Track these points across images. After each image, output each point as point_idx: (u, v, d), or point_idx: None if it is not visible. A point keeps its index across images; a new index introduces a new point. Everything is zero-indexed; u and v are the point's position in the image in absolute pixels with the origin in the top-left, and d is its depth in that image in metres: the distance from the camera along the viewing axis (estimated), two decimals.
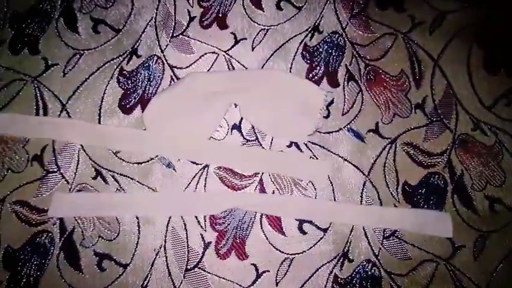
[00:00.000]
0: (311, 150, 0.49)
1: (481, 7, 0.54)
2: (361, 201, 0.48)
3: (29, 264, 0.45)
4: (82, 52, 0.50)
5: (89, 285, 0.45)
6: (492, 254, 0.47)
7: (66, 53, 0.50)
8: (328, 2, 0.53)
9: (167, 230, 0.46)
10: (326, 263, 0.47)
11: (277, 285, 0.46)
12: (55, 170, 0.47)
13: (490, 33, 0.53)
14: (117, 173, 0.47)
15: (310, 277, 0.46)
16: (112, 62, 0.50)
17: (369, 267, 0.47)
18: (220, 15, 0.52)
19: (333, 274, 0.46)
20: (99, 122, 0.48)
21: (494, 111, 0.51)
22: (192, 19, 0.52)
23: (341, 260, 0.47)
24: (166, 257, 0.46)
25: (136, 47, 0.50)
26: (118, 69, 0.50)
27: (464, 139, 0.50)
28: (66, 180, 0.47)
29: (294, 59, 0.51)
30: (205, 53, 0.51)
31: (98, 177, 0.47)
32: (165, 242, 0.46)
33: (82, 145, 0.48)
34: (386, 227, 0.48)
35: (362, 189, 0.48)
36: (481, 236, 0.48)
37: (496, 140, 0.50)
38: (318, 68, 0.51)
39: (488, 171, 0.50)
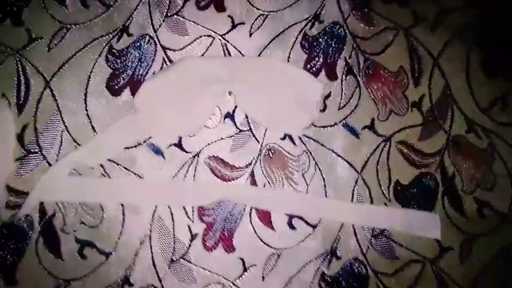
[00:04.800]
0: (305, 144, 0.48)
1: (483, 7, 0.53)
2: (352, 198, 0.47)
3: (6, 248, 0.43)
4: (68, 26, 0.47)
5: (70, 272, 0.43)
6: (478, 257, 0.48)
7: (52, 27, 0.47)
8: None
9: (153, 220, 0.45)
10: (313, 259, 0.46)
11: (263, 279, 0.45)
12: (36, 150, 0.45)
13: (490, 34, 0.53)
14: None
15: (297, 273, 0.46)
16: (100, 39, 0.47)
17: (357, 265, 0.46)
18: None
19: (320, 271, 0.46)
20: (85, 103, 0.46)
21: (489, 114, 0.51)
22: None
23: (328, 257, 0.46)
24: (151, 247, 0.44)
25: (127, 24, 0.47)
26: (107, 47, 0.47)
27: (458, 141, 0.50)
28: (48, 162, 0.44)
29: (292, 48, 0.49)
30: (200, 36, 0.48)
31: None
32: (151, 231, 0.45)
33: (66, 126, 0.45)
34: (375, 225, 0.47)
35: (354, 186, 0.47)
36: (467, 239, 0.48)
37: (488, 143, 0.50)
38: (317, 59, 0.49)
39: (479, 175, 0.50)
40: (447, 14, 0.52)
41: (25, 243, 0.43)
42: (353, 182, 0.48)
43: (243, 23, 0.49)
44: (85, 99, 0.46)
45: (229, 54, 0.48)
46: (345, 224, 0.47)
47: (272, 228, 0.46)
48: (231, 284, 0.45)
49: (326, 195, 0.47)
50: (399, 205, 0.48)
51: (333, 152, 0.48)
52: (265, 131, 0.48)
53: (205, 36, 0.48)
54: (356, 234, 0.47)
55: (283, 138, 0.48)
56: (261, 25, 0.49)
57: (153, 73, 0.47)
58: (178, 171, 0.46)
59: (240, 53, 0.49)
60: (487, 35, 0.52)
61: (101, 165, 0.45)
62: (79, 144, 0.45)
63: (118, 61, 0.47)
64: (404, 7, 0.52)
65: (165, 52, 0.48)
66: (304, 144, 0.48)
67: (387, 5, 0.52)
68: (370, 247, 0.47)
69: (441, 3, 0.52)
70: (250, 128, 0.48)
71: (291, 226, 0.46)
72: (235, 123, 0.47)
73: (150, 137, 0.46)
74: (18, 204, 0.43)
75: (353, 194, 0.47)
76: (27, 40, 0.46)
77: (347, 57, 0.50)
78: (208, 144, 0.47)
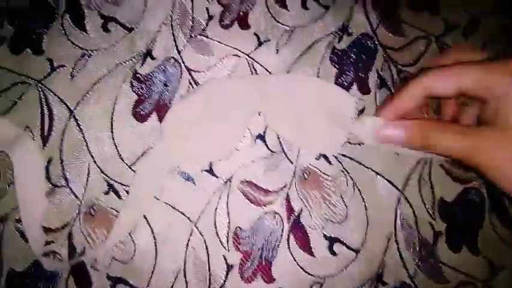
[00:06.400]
0: (341, 163, 0.45)
1: None
2: (395, 219, 0.45)
3: None
4: (90, 52, 0.45)
5: None
6: None
7: (73, 54, 0.45)
8: (357, 1, 0.49)
9: (186, 252, 0.42)
10: (358, 287, 0.43)
11: None
12: (63, 184, 0.43)
13: None
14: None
15: None
16: (124, 64, 0.45)
17: None
18: (241, 13, 0.48)
19: None
20: (111, 131, 0.44)
21: None
22: (210, 18, 0.47)
23: (374, 284, 0.43)
24: (186, 281, 0.42)
25: (150, 48, 0.46)
26: (131, 72, 0.45)
27: None
28: (75, 196, 0.42)
29: (321, 62, 0.47)
30: (226, 56, 0.47)
31: (111, 192, 0.43)
32: (185, 264, 0.42)
33: (92, 156, 0.43)
34: None
35: (397, 206, 0.45)
36: None
37: None
38: (348, 72, 0.47)
39: None
40: (479, 20, 0.50)
41: (55, 283, 0.41)
42: (395, 201, 0.45)
43: (269, 40, 0.47)
44: (111, 128, 0.44)
45: (256, 72, 0.47)
46: (390, 247, 0.44)
47: (312, 254, 0.43)
48: None
49: (367, 217, 0.44)
50: (445, 224, 0.45)
51: (372, 170, 0.45)
52: (299, 151, 0.45)
53: (231, 55, 0.47)
54: (402, 257, 0.44)
55: (318, 158, 0.45)
56: (288, 41, 0.47)
57: (180, 96, 0.45)
58: (211, 198, 0.43)
59: (267, 70, 0.47)
60: None
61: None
62: (107, 175, 0.43)
63: (143, 86, 0.45)
64: (435, 15, 0.50)
65: (190, 74, 0.46)
66: (341, 163, 0.45)
67: (417, 14, 0.50)
68: (417, 270, 0.44)
69: (472, 10, 0.50)
70: (283, 149, 0.45)
71: (332, 252, 0.44)
72: (266, 145, 0.45)
73: (179, 164, 0.44)
74: (47, 241, 0.41)
75: (396, 214, 0.45)
76: (49, 69, 0.45)
77: (379, 70, 0.48)
78: (240, 168, 0.45)
